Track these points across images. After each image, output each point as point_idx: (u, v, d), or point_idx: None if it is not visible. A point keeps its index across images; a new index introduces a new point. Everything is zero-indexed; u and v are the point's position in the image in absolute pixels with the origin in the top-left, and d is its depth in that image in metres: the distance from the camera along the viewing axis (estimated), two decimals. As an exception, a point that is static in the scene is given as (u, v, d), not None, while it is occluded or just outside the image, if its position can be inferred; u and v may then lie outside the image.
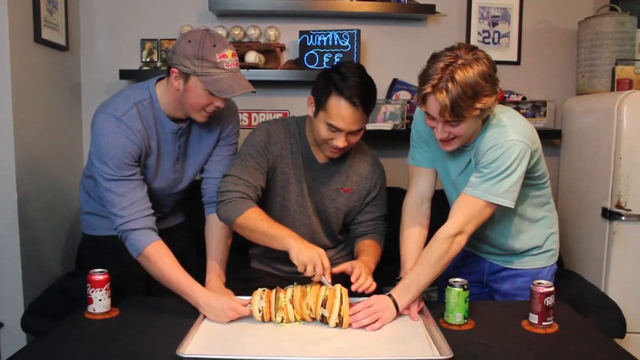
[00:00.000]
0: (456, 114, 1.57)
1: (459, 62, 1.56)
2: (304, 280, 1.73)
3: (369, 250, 1.96)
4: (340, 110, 1.76)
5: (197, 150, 1.95)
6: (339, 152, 1.88)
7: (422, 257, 1.71)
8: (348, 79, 1.75)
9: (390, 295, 1.69)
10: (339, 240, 2.11)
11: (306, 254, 1.67)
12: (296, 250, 1.68)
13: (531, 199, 1.84)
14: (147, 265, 1.75)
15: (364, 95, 1.76)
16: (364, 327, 1.62)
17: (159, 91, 1.82)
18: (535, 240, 1.90)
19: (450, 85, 1.54)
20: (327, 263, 1.69)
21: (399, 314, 1.68)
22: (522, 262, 1.92)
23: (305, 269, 1.68)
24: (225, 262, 1.95)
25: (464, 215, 1.68)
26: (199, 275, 1.85)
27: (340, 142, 1.82)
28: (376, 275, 1.83)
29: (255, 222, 1.77)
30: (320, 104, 1.80)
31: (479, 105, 1.57)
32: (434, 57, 1.62)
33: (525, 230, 1.88)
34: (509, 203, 1.65)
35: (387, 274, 2.47)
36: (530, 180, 1.76)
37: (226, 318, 1.66)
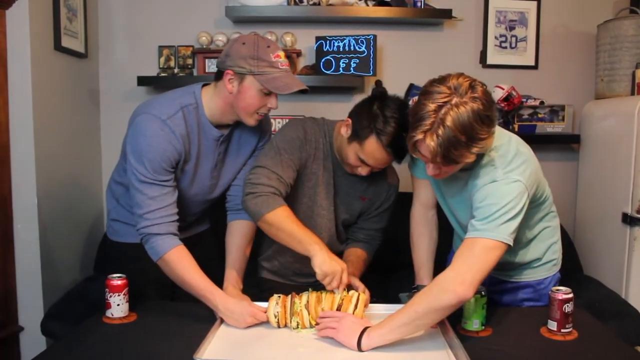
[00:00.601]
0: (449, 161, 1.48)
1: (454, 101, 1.43)
2: (319, 287, 1.73)
3: (358, 262, 1.99)
4: (375, 153, 1.77)
5: (235, 158, 1.95)
6: (358, 174, 1.89)
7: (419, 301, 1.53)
8: (389, 124, 1.74)
9: (364, 331, 1.52)
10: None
11: (329, 266, 1.67)
12: (320, 260, 1.67)
13: (529, 219, 1.72)
14: (167, 270, 1.75)
15: (400, 146, 1.76)
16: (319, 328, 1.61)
17: (205, 97, 1.81)
18: (534, 253, 1.83)
19: (441, 131, 1.42)
20: (345, 278, 1.71)
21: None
22: (522, 275, 1.86)
23: (323, 279, 1.69)
24: (243, 271, 1.94)
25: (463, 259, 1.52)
26: (222, 282, 1.86)
27: (364, 171, 1.86)
28: (388, 282, 1.81)
29: (285, 221, 1.75)
30: (357, 135, 1.79)
31: (474, 151, 1.48)
32: (427, 93, 1.48)
33: (523, 246, 1.80)
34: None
35: (398, 280, 2.48)
36: (530, 203, 1.62)
37: (244, 323, 1.67)
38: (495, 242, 1.49)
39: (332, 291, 1.71)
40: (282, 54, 1.73)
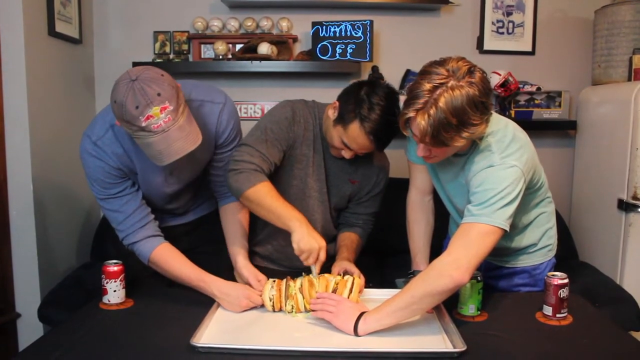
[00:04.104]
0: (438, 142, 1.48)
1: (450, 84, 1.42)
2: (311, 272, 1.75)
3: (352, 246, 1.98)
4: (357, 138, 1.77)
5: (190, 167, 1.84)
6: (343, 157, 1.89)
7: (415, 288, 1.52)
8: (374, 111, 1.73)
9: (360, 316, 1.53)
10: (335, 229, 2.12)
11: (307, 243, 1.67)
12: (299, 236, 1.67)
13: (524, 205, 1.71)
14: (158, 270, 1.78)
15: (382, 135, 1.76)
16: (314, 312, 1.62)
17: None
18: (530, 239, 1.83)
19: (433, 112, 1.42)
20: (323, 256, 1.70)
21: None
22: (518, 260, 1.87)
23: (300, 255, 1.69)
24: (246, 247, 1.90)
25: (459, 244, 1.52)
26: (221, 265, 1.86)
27: (347, 155, 1.85)
28: (384, 267, 1.80)
29: (265, 197, 1.75)
30: (342, 119, 1.79)
31: (464, 135, 1.46)
32: (425, 73, 1.48)
33: (519, 232, 1.81)
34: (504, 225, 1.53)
35: (395, 265, 2.49)
36: (526, 189, 1.62)
37: (240, 307, 1.68)
38: (491, 227, 1.49)
39: (325, 275, 1.72)
40: (155, 110, 1.44)
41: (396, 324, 1.53)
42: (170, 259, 1.75)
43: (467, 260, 1.46)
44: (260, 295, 1.69)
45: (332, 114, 1.84)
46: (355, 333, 1.51)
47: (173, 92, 1.49)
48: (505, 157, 1.56)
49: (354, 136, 1.77)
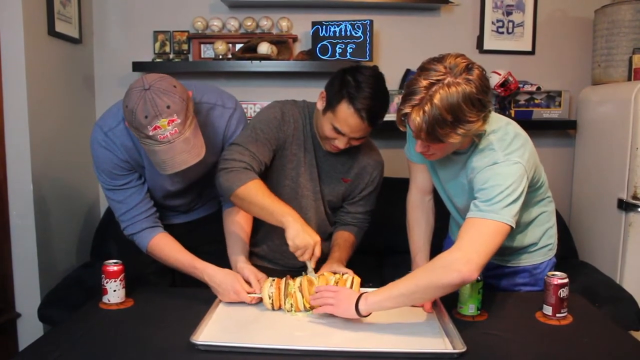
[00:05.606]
0: (433, 139, 1.48)
1: (447, 80, 1.42)
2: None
3: (345, 245, 1.97)
4: (347, 118, 1.75)
5: (195, 168, 1.80)
6: (338, 150, 1.88)
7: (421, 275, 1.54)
8: (362, 90, 1.72)
9: (359, 298, 1.54)
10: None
11: (302, 239, 1.67)
12: (293, 232, 1.66)
13: (525, 203, 1.68)
14: (156, 258, 1.81)
15: (373, 110, 1.74)
16: (314, 307, 1.62)
17: None
18: (531, 238, 1.83)
19: (428, 108, 1.42)
20: (318, 252, 1.71)
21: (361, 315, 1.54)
22: (518, 260, 1.87)
23: (295, 251, 1.69)
24: (246, 251, 1.91)
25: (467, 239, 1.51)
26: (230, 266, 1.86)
27: (341, 144, 1.83)
28: (384, 267, 1.80)
29: (256, 194, 1.74)
30: (330, 104, 1.78)
31: (460, 132, 1.46)
32: (423, 70, 1.48)
33: (520, 230, 1.80)
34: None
35: (394, 265, 2.49)
36: (527, 187, 1.61)
37: (227, 298, 1.70)
38: (500, 224, 1.49)
39: (325, 274, 1.72)
40: (163, 122, 1.50)
41: (396, 322, 1.54)
42: (167, 247, 1.79)
43: (477, 256, 1.45)
44: (249, 293, 1.70)
45: (320, 104, 1.84)
46: (358, 313, 1.51)
47: (183, 105, 1.53)
48: (509, 154, 1.57)
49: (344, 117, 1.75)
